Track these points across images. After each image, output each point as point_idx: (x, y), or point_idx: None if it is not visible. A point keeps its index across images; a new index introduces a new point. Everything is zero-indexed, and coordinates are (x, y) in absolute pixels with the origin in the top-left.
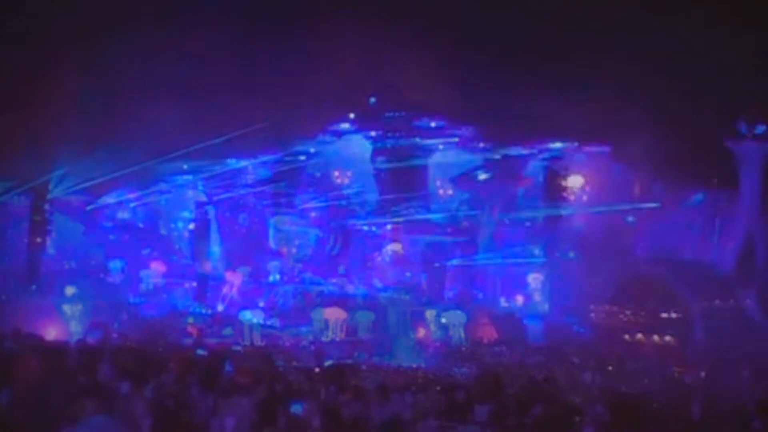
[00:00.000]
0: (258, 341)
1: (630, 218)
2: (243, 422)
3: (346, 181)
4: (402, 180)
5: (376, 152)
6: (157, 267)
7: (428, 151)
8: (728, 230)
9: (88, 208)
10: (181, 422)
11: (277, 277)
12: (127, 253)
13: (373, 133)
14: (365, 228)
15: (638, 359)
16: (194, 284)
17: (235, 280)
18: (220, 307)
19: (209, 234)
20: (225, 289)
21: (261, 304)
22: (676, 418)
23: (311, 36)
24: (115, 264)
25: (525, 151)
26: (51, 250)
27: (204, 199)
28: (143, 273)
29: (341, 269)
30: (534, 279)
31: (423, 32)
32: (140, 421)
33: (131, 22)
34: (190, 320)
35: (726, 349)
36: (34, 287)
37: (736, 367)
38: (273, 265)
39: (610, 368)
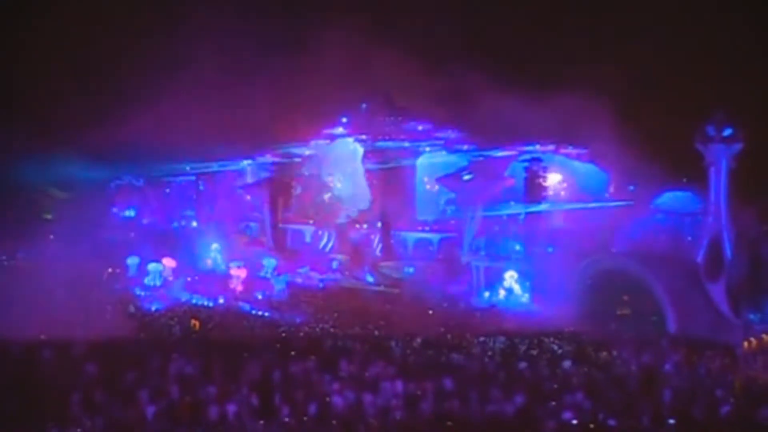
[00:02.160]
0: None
1: (605, 216)
2: (243, 409)
3: (339, 181)
4: (391, 180)
5: (367, 154)
6: (168, 262)
7: (416, 153)
8: (697, 227)
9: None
10: (184, 409)
11: (272, 272)
12: (142, 250)
13: (364, 137)
14: (357, 226)
15: (615, 348)
16: (197, 278)
17: (240, 274)
18: (221, 300)
19: (210, 231)
20: (232, 284)
21: (259, 297)
22: (650, 401)
23: (306, 46)
24: (133, 260)
25: (506, 153)
26: None
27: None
28: (151, 267)
29: (334, 264)
30: (510, 276)
31: (411, 42)
32: (145, 409)
33: (137, 33)
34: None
35: (697, 339)
36: None
37: (707, 356)
38: (269, 261)
39: (588, 357)
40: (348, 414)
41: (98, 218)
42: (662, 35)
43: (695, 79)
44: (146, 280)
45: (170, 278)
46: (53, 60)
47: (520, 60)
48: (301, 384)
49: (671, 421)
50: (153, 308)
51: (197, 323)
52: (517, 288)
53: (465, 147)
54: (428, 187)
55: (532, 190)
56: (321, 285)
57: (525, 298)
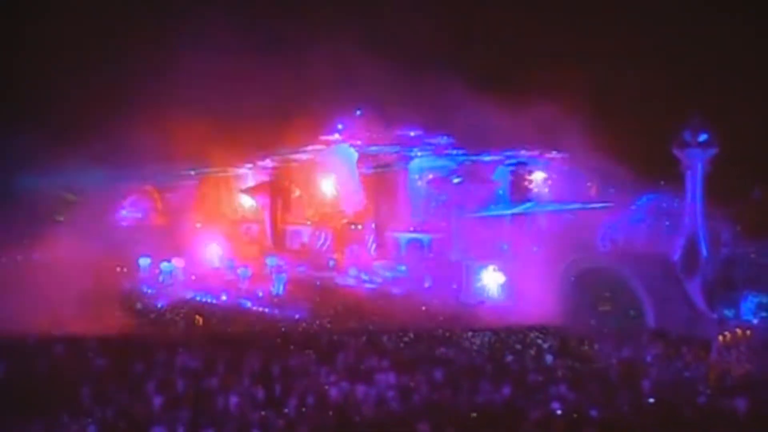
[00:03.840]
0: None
1: (587, 217)
2: (245, 400)
3: (335, 184)
4: (384, 183)
5: (361, 159)
6: (178, 262)
7: (407, 157)
8: (675, 227)
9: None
10: (189, 400)
11: (274, 270)
12: (149, 251)
13: (358, 142)
14: (352, 227)
15: (597, 342)
16: (201, 276)
17: (246, 273)
18: (224, 297)
19: (213, 232)
20: (238, 282)
21: (260, 294)
22: (630, 392)
23: (304, 57)
24: (145, 260)
25: (493, 158)
26: None
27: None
28: (163, 266)
29: (331, 263)
30: (498, 274)
31: (403, 53)
32: (152, 399)
33: (146, 49)
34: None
35: (675, 333)
36: None
37: (684, 350)
38: (271, 260)
39: (571, 350)
40: (344, 404)
41: (107, 220)
42: (641, 45)
43: (672, 87)
44: (160, 279)
45: (180, 277)
46: (65, 73)
47: (504, 70)
48: (299, 376)
49: (650, 412)
50: (159, 305)
51: (201, 319)
52: (504, 285)
53: (454, 152)
54: (419, 190)
55: (518, 193)
56: (318, 283)
57: (511, 295)
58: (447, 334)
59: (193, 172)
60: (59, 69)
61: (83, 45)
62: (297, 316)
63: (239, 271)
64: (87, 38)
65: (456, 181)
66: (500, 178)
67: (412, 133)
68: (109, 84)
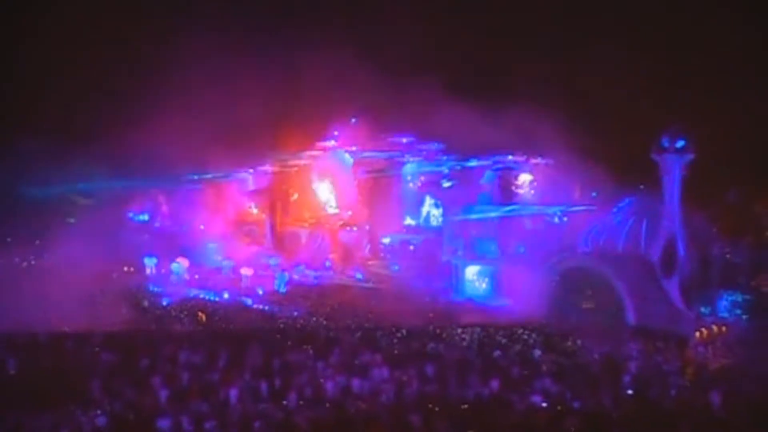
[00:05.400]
0: (259, 324)
1: (571, 218)
2: (246, 393)
3: (331, 188)
4: (378, 187)
5: (356, 164)
6: (183, 262)
7: (400, 163)
8: (654, 229)
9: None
10: (193, 393)
11: (276, 270)
12: (155, 251)
13: (353, 148)
14: (348, 228)
15: (580, 338)
16: (204, 275)
17: (248, 273)
18: (225, 295)
19: (216, 233)
20: (241, 281)
21: (260, 292)
22: (611, 385)
23: (302, 67)
24: (151, 260)
25: (482, 163)
26: None
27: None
28: (173, 266)
29: (328, 263)
30: (486, 273)
31: (396, 64)
32: (158, 392)
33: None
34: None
35: (654, 330)
36: None
37: (662, 345)
38: (275, 260)
39: (556, 346)
40: (340, 397)
41: (115, 222)
42: (621, 52)
43: (651, 95)
44: (171, 278)
45: (186, 276)
46: (74, 80)
47: (492, 79)
48: (297, 370)
49: (630, 404)
50: (164, 303)
51: (204, 316)
52: (491, 284)
53: (445, 158)
54: (412, 193)
55: (505, 196)
56: (316, 282)
57: (499, 293)
58: (438, 330)
59: (196, 177)
60: (68, 76)
61: (89, 54)
62: (295, 314)
63: (245, 271)
64: (91, 47)
65: (447, 185)
66: (488, 182)
67: (404, 140)
68: (116, 92)
